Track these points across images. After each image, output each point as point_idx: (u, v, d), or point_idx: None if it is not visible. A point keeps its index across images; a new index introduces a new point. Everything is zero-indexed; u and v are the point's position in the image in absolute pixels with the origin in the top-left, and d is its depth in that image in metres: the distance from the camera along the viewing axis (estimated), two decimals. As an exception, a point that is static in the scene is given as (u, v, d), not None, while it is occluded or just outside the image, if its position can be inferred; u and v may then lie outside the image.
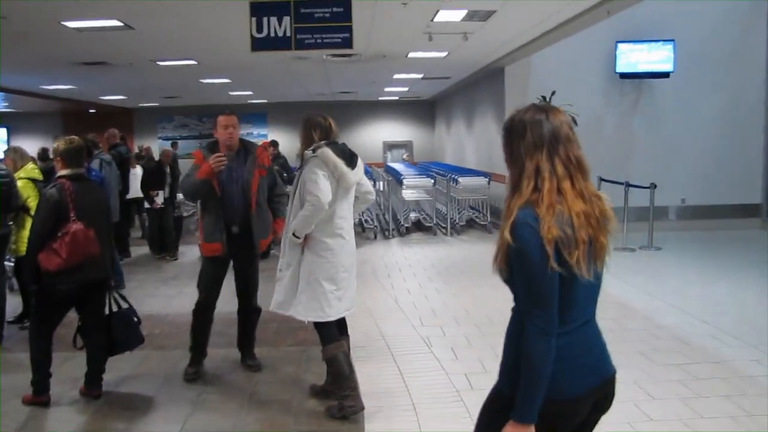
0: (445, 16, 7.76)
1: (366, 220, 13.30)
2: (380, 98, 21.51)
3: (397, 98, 21.71)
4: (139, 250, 10.77)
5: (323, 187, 4.22)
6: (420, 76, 14.35)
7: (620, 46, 12.10)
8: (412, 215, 13.23)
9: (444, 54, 10.88)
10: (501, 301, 2.43)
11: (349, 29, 6.68)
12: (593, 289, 2.11)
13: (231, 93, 17.15)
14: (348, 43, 6.72)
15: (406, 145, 23.46)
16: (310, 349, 5.70)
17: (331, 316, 4.38)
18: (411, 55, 10.90)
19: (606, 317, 6.49)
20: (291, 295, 4.39)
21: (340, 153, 4.40)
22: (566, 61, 11.86)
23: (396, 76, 14.25)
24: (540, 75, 12.08)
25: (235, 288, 5.22)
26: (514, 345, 2.09)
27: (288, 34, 6.67)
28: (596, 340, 2.19)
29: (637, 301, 7.28)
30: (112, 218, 5.07)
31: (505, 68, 12.38)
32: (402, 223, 12.70)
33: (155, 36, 8.69)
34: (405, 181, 12.67)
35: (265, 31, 6.71)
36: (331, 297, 4.34)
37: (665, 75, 12.15)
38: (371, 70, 12.87)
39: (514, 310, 2.15)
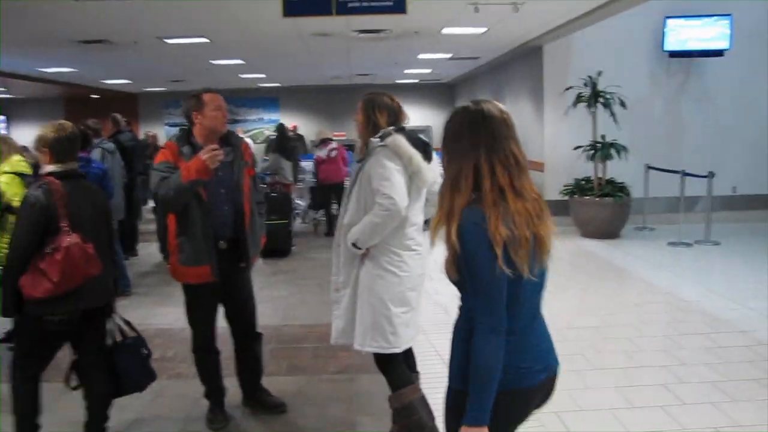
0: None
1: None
2: (398, 81, 20.41)
3: (416, 81, 20.62)
4: (149, 247, 9.81)
5: (398, 187, 3.29)
6: (448, 56, 13.28)
7: (669, 21, 11.13)
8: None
9: (482, 30, 9.82)
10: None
11: None
12: (539, 285, 2.14)
13: (242, 76, 16.06)
14: (401, 6, 5.69)
15: (425, 131, 22.36)
16: (358, 377, 4.76)
17: (398, 347, 3.48)
18: (445, 31, 9.84)
19: (696, 332, 5.78)
20: (353, 320, 3.51)
21: (413, 142, 3.43)
22: (610, 38, 10.90)
23: (421, 56, 13.18)
24: (581, 54, 11.12)
25: (225, 313, 4.19)
26: (463, 345, 2.09)
27: None
28: (543, 335, 2.23)
29: (721, 309, 6.32)
30: (114, 221, 4.09)
31: (544, 47, 11.33)
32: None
33: (162, 7, 7.61)
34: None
35: None
36: (398, 322, 3.45)
37: (719, 53, 11.18)
38: (397, 49, 11.81)
39: (461, 309, 2.20)
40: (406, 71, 17.00)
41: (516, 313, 2.05)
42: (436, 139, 22.44)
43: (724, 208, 10.84)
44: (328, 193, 11.04)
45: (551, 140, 11.43)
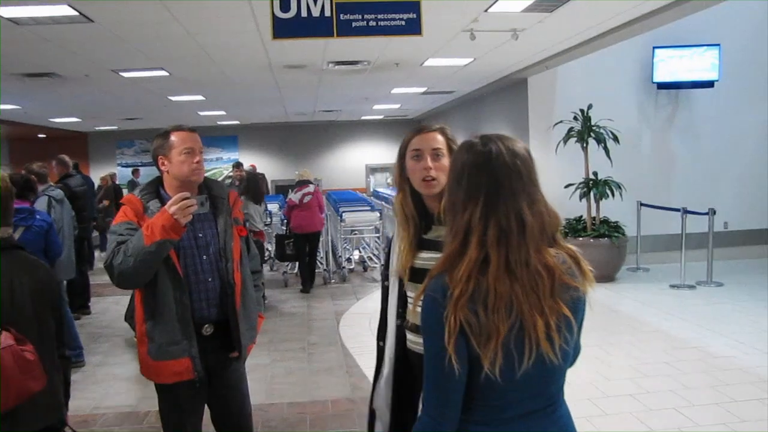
0: (504, 6, 6.00)
1: (369, 257, 11.49)
2: (363, 117, 19.69)
3: (381, 117, 19.93)
4: (103, 302, 8.75)
5: None
6: (422, 90, 12.60)
7: (658, 52, 10.62)
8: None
9: (467, 61, 9.14)
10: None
11: (417, 6, 4.83)
12: (541, 377, 1.67)
13: (201, 113, 15.13)
14: (415, 27, 4.87)
15: (391, 169, 21.65)
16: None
17: None
18: (428, 62, 9.13)
19: (752, 396, 5.18)
20: None
21: None
22: (597, 70, 10.35)
23: (395, 90, 12.48)
24: (567, 86, 10.53)
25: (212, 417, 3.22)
26: None
27: (327, 13, 4.75)
28: None
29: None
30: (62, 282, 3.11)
31: (529, 79, 10.72)
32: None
33: (120, 33, 6.69)
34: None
35: (294, 10, 4.76)
36: None
37: (709, 84, 10.71)
38: (370, 83, 11.08)
39: None
40: (374, 107, 16.28)
41: (496, 405, 1.68)
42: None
43: (717, 245, 10.27)
44: (302, 244, 9.57)
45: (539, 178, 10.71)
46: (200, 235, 3.01)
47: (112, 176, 14.39)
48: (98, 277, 9.56)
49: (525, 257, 1.64)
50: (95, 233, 12.16)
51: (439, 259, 1.71)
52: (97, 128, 19.39)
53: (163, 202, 2.93)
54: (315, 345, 6.75)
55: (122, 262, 2.79)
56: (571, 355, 1.75)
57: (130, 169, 19.01)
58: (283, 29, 4.80)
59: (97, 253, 12.20)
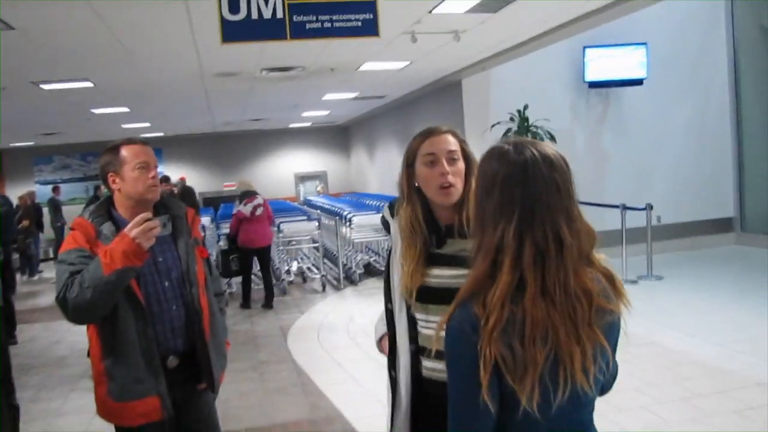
0: (449, 6, 5.86)
1: (309, 268, 11.22)
2: (291, 125, 19.35)
3: (309, 125, 19.63)
4: (30, 330, 8.25)
5: None
6: (354, 95, 12.41)
7: (588, 51, 10.75)
8: (359, 257, 11.27)
9: (403, 65, 9.00)
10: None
11: (373, 6, 4.62)
12: (575, 408, 1.52)
13: (125, 126, 14.51)
14: (372, 27, 4.67)
15: (320, 176, 21.41)
16: None
17: None
18: (364, 67, 8.95)
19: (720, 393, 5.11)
20: None
21: None
22: (529, 70, 10.36)
23: (326, 96, 12.25)
24: (501, 87, 10.54)
25: None
26: None
27: (280, 14, 4.49)
28: None
29: (719, 358, 5.60)
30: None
31: (463, 81, 10.67)
32: (353, 269, 10.67)
33: (43, 42, 6.26)
34: (354, 219, 10.67)
35: (243, 11, 4.48)
36: None
37: (638, 82, 10.91)
38: (303, 89, 10.82)
39: None
40: (303, 114, 15.99)
41: None
42: (332, 184, 21.57)
43: (652, 239, 10.44)
44: (249, 259, 9.11)
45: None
46: (160, 259, 2.73)
47: (31, 195, 13.69)
48: (21, 303, 9.02)
49: (564, 280, 1.49)
50: (15, 255, 11.54)
51: (466, 282, 1.54)
52: (12, 144, 18.44)
53: (117, 225, 2.66)
54: (265, 363, 6.46)
55: (78, 294, 2.48)
56: (601, 382, 1.61)
57: (49, 187, 18.16)
58: (232, 32, 4.53)
59: (18, 276, 11.56)
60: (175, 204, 2.92)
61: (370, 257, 11.53)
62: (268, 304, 9.01)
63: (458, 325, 1.50)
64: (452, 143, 2.24)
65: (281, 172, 20.96)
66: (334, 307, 8.89)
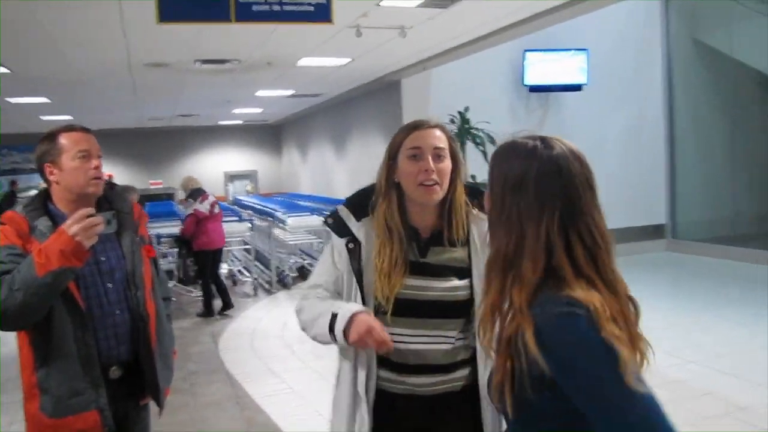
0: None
1: (239, 271, 10.79)
2: (221, 122, 18.77)
3: (240, 122, 19.09)
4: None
5: None
6: (290, 92, 12.01)
7: (529, 55, 10.70)
8: (292, 260, 10.91)
9: (345, 61, 8.69)
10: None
11: None
12: None
13: (44, 118, 13.67)
14: (325, 13, 4.32)
15: (251, 176, 20.87)
16: None
17: None
18: (302, 62, 8.59)
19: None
20: None
21: None
22: (469, 72, 10.23)
23: (260, 92, 11.82)
24: (441, 89, 10.36)
25: None
26: None
27: None
28: None
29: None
30: None
31: (402, 81, 10.43)
32: (286, 272, 10.29)
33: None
34: (289, 221, 10.29)
35: None
36: None
37: (577, 88, 10.92)
38: (237, 84, 10.37)
39: None
40: (235, 111, 15.48)
41: None
42: (263, 184, 21.08)
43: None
44: (208, 262, 8.36)
45: (414, 182, 10.46)
46: (102, 258, 2.43)
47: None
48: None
49: (612, 280, 1.37)
50: None
51: (517, 284, 1.36)
52: None
53: (54, 221, 2.35)
54: (196, 374, 6.03)
55: (7, 297, 2.16)
56: None
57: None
58: (170, 11, 4.12)
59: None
60: (119, 198, 2.62)
61: (304, 260, 11.19)
62: (209, 312, 8.38)
63: (567, 309, 1.29)
64: (441, 139, 2.02)
65: (210, 170, 20.32)
66: (267, 312, 8.50)
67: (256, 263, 10.78)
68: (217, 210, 8.41)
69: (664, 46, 11.93)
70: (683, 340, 6.32)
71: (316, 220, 10.61)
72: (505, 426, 1.55)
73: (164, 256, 9.55)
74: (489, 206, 1.45)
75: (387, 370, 2.02)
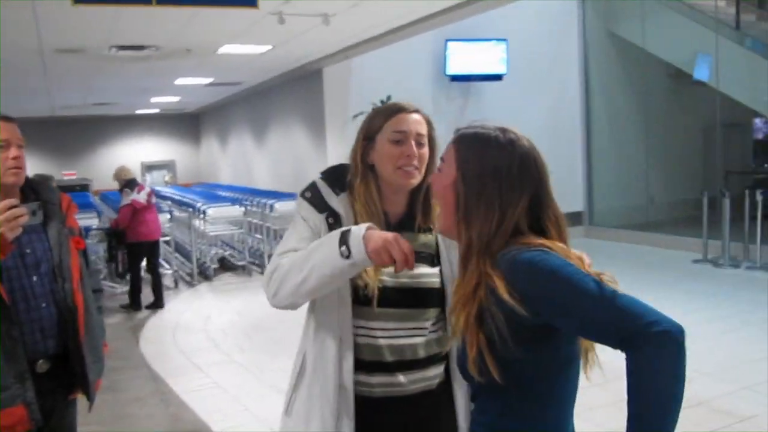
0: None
1: (160, 264, 10.49)
2: (138, 111, 18.25)
3: (158, 111, 18.60)
4: None
5: None
6: (209, 80, 11.76)
7: (450, 45, 10.77)
8: (213, 251, 10.71)
9: (265, 49, 8.55)
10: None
11: None
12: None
13: (-54, 106, 13.05)
14: None
15: (168, 166, 20.37)
16: None
17: None
18: (222, 49, 8.42)
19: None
20: None
21: None
22: (391, 61, 10.23)
23: (179, 81, 11.53)
24: (363, 77, 10.34)
25: None
26: None
27: None
28: None
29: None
30: None
31: (324, 70, 10.35)
32: (207, 263, 10.10)
33: None
34: (209, 211, 10.09)
35: None
36: None
37: (498, 77, 11.06)
38: (155, 72, 10.09)
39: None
40: (152, 100, 15.06)
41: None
42: (181, 174, 20.61)
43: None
44: (141, 254, 8.17)
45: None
46: (27, 251, 2.34)
47: None
48: None
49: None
50: None
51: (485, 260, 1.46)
52: None
53: None
54: (117, 370, 5.83)
55: None
56: None
57: None
58: (85, -8, 3.94)
59: None
60: (45, 189, 2.51)
61: (225, 251, 11.01)
62: (159, 303, 8.16)
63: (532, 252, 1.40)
64: (423, 126, 1.98)
65: (126, 160, 19.54)
66: (188, 305, 8.32)
67: (176, 255, 10.54)
68: (153, 200, 8.21)
69: (580, 38, 12.24)
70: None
71: (237, 211, 10.46)
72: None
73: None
74: (461, 191, 1.48)
75: (361, 373, 1.91)
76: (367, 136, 1.96)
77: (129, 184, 8.09)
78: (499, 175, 1.44)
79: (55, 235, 2.41)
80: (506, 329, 1.37)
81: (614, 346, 1.31)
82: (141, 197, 7.95)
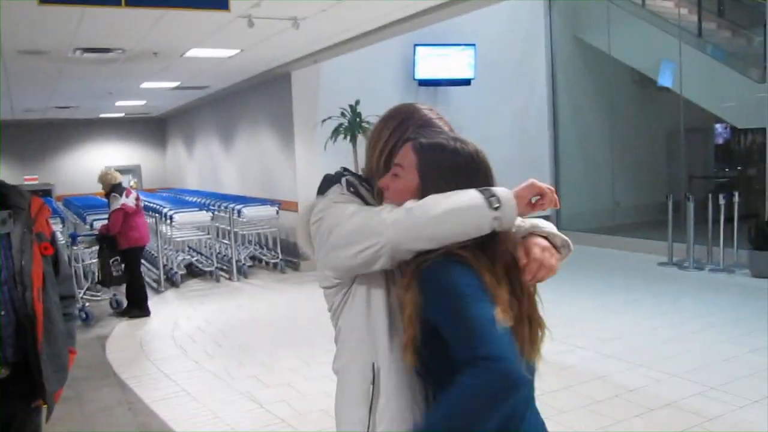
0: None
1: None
2: (102, 115, 17.96)
3: (122, 115, 18.33)
4: None
5: None
6: (175, 84, 11.62)
7: (419, 49, 10.81)
8: (180, 257, 10.58)
9: (233, 53, 8.47)
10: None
11: None
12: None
13: None
14: (222, 1, 4.14)
15: (134, 170, 20.09)
16: None
17: None
18: (190, 53, 8.32)
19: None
20: None
21: None
22: (360, 65, 10.25)
23: (144, 84, 11.38)
24: (332, 81, 10.33)
25: None
26: None
27: None
28: None
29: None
30: None
31: (292, 74, 10.29)
32: (174, 270, 9.97)
33: None
34: (176, 217, 9.96)
35: None
36: None
37: (466, 82, 11.13)
38: (120, 75, 9.93)
39: None
40: (117, 103, 14.85)
41: None
42: (147, 179, 20.29)
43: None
44: (137, 259, 8.13)
45: (305, 176, 10.37)
46: None
47: None
48: None
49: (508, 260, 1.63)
50: None
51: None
52: None
53: None
54: (82, 380, 5.72)
55: None
56: None
57: None
58: (52, -7, 3.85)
59: None
60: (14, 193, 2.45)
61: (192, 257, 10.89)
62: (135, 312, 8.00)
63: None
64: None
65: (90, 165, 19.33)
66: (155, 311, 8.17)
67: (143, 262, 10.38)
68: (142, 204, 8.09)
69: (547, 43, 12.35)
70: (570, 327, 6.51)
71: (204, 216, 10.34)
72: None
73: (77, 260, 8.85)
74: (419, 189, 1.60)
75: None
76: (398, 141, 1.76)
77: (115, 188, 7.87)
78: (456, 175, 1.60)
79: (18, 241, 2.36)
80: (421, 332, 1.50)
81: (461, 367, 1.37)
82: (130, 201, 7.77)
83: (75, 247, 8.33)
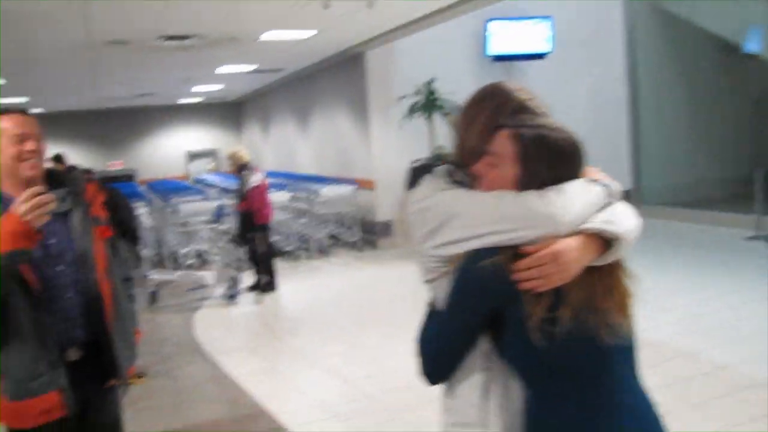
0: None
1: (205, 251, 10.62)
2: (180, 101, 18.42)
3: (200, 100, 18.76)
4: None
5: None
6: (252, 68, 11.80)
7: (490, 25, 10.66)
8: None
9: (310, 34, 8.54)
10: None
11: None
12: None
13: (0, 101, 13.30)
14: None
15: (212, 154, 20.57)
16: None
17: None
18: (265, 36, 8.44)
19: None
20: None
21: None
22: (432, 43, 10.16)
23: (220, 69, 11.60)
24: (405, 61, 10.31)
25: None
26: None
27: None
28: None
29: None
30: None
31: (367, 54, 10.31)
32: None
33: None
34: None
35: None
36: None
37: (541, 56, 10.93)
38: (198, 61, 10.16)
39: None
40: (194, 89, 15.18)
41: None
42: (224, 162, 20.76)
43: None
44: (269, 234, 8.33)
45: (381, 155, 10.42)
46: (52, 241, 2.36)
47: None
48: None
49: None
50: None
51: None
52: None
53: (5, 204, 2.24)
54: (173, 356, 5.93)
55: None
56: None
57: None
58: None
59: None
60: (71, 178, 2.54)
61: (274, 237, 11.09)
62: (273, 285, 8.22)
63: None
64: None
65: (169, 150, 20.00)
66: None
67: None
68: (267, 182, 8.30)
69: (625, 12, 12.01)
70: (658, 302, 6.37)
71: (284, 196, 10.51)
72: None
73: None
74: (518, 180, 1.60)
75: None
76: (495, 123, 1.68)
77: (245, 167, 8.06)
78: (557, 167, 1.61)
79: (79, 224, 2.43)
80: None
81: None
82: (258, 179, 7.96)
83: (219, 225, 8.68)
